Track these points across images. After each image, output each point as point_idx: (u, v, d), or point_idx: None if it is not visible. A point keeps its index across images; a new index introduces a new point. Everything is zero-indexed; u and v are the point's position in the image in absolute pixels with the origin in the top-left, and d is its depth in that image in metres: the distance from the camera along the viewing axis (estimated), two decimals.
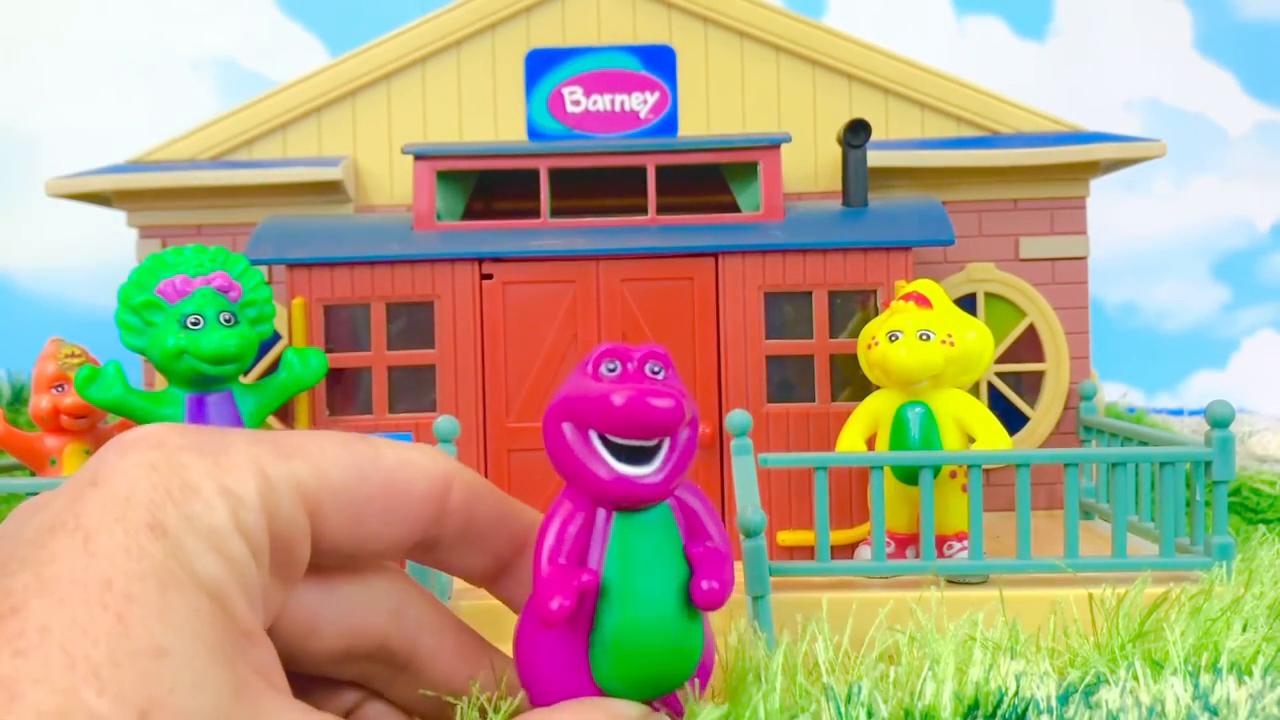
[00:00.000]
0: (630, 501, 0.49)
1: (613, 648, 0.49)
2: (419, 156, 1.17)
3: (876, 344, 0.98)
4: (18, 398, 1.73)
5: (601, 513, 0.50)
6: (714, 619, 0.78)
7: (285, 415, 1.25)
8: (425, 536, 0.50)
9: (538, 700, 0.51)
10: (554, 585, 0.47)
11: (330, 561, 0.48)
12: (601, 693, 0.50)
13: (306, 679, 0.49)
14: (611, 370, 0.49)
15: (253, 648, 0.41)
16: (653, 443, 0.49)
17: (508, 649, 0.54)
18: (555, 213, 1.17)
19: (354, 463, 0.47)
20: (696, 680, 0.52)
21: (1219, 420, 0.92)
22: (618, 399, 0.47)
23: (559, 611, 0.47)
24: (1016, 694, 0.59)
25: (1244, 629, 0.73)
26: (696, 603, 0.50)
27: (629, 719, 0.49)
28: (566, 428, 0.49)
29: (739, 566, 0.86)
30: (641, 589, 0.49)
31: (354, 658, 0.49)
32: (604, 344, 0.51)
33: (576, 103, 1.35)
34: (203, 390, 0.99)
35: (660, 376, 0.50)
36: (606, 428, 0.48)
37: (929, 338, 0.95)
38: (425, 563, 0.52)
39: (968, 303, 1.33)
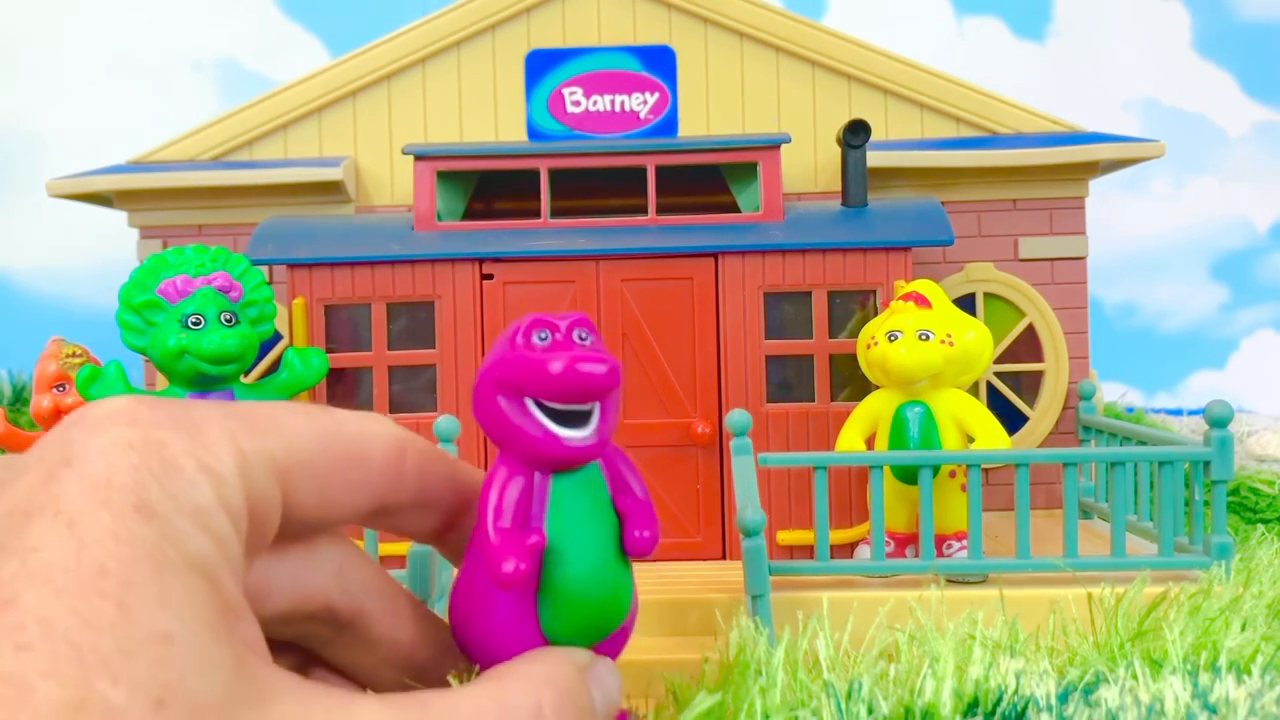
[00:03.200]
0: (568, 463, 0.51)
1: (560, 601, 0.51)
2: (419, 157, 1.18)
3: (876, 344, 0.98)
4: (19, 397, 1.73)
5: (539, 475, 0.52)
6: (714, 618, 0.79)
7: None
8: (382, 503, 0.51)
9: (481, 657, 0.52)
10: (507, 549, 0.49)
11: (293, 531, 0.48)
12: (549, 644, 0.52)
13: None
14: (543, 339, 0.51)
15: (241, 623, 0.41)
16: (587, 407, 0.51)
17: None
18: (555, 213, 1.17)
19: (319, 434, 0.47)
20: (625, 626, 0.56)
21: (1218, 420, 0.92)
22: (556, 366, 0.49)
23: (516, 574, 0.49)
24: (1016, 692, 0.59)
25: (1243, 628, 0.73)
26: (630, 551, 0.53)
27: (582, 664, 0.51)
28: (501, 398, 0.51)
29: (739, 566, 0.87)
30: (583, 544, 0.52)
31: (297, 619, 0.50)
32: (531, 314, 0.52)
33: (576, 103, 1.35)
34: (204, 390, 0.99)
35: (588, 343, 0.52)
36: (545, 394, 0.50)
37: (928, 338, 0.96)
38: (376, 526, 0.53)
39: (967, 303, 1.34)
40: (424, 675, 0.54)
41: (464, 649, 0.53)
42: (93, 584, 0.36)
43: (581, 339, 0.51)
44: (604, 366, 0.50)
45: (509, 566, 0.49)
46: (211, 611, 0.39)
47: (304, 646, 0.52)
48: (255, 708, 0.39)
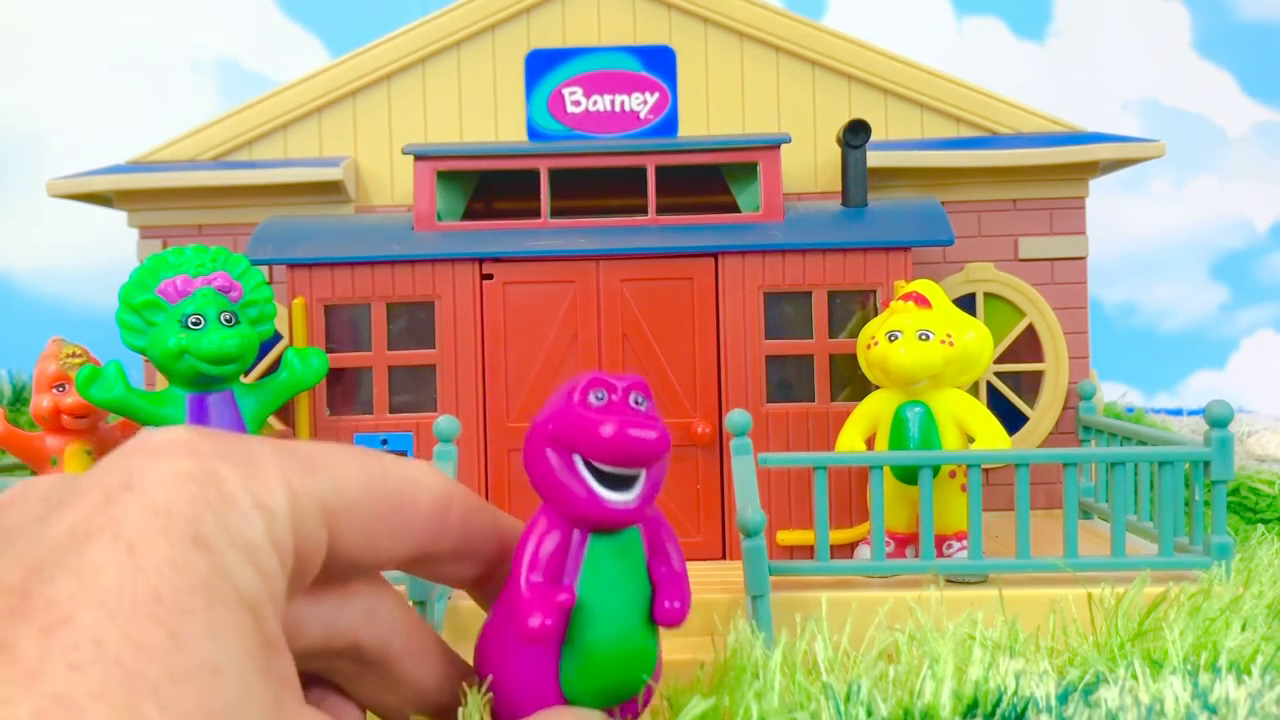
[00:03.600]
0: (609, 525, 0.52)
1: (584, 661, 0.51)
2: (419, 157, 1.18)
3: (876, 344, 0.98)
4: (19, 398, 1.73)
5: (577, 533, 0.52)
6: (713, 618, 0.79)
7: (286, 415, 1.26)
8: (424, 551, 0.51)
9: (500, 702, 0.52)
10: (536, 603, 0.50)
11: (335, 572, 0.48)
12: (567, 701, 0.52)
13: None
14: (599, 399, 0.52)
15: (279, 659, 0.42)
16: (634, 471, 0.51)
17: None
18: (555, 213, 1.17)
19: (368, 479, 0.48)
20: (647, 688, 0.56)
21: (1218, 420, 0.92)
22: (608, 430, 0.50)
23: (542, 629, 0.49)
24: (1016, 693, 0.59)
25: (1243, 628, 0.73)
26: (659, 620, 0.53)
27: None
28: (551, 452, 0.51)
29: (739, 566, 0.87)
30: (613, 607, 0.52)
31: (326, 654, 0.50)
32: (592, 372, 0.53)
33: (576, 103, 1.35)
34: (203, 390, 0.99)
35: (643, 408, 0.52)
36: (595, 456, 0.50)
37: (928, 338, 0.96)
38: (415, 572, 0.54)
39: (967, 303, 1.34)
40: (446, 716, 0.55)
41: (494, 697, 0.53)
42: (147, 609, 0.36)
43: (637, 403, 0.52)
44: (654, 434, 0.50)
45: (535, 621, 0.49)
46: (256, 646, 0.39)
47: (330, 681, 0.52)
48: None
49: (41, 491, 0.43)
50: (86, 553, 0.37)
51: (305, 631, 0.48)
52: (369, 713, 0.54)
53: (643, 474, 0.52)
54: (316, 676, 0.52)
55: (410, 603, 0.94)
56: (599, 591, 0.51)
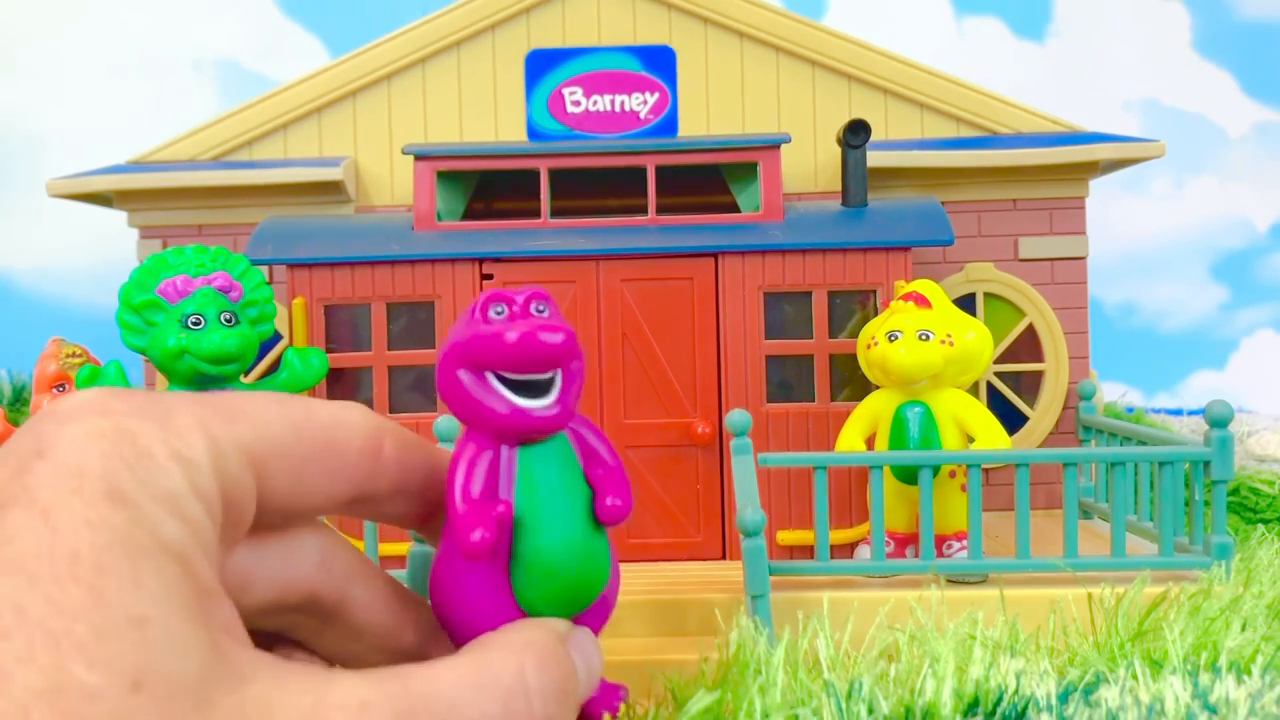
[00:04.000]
0: (531, 433, 0.52)
1: (532, 572, 0.52)
2: (419, 157, 1.18)
3: (876, 344, 0.98)
4: (19, 397, 1.73)
5: (505, 448, 0.52)
6: (714, 618, 0.79)
7: None
8: (360, 492, 0.51)
9: (461, 634, 0.52)
10: (472, 519, 0.50)
11: (269, 520, 0.48)
12: (526, 616, 0.52)
13: None
14: (499, 313, 0.52)
15: (216, 607, 0.41)
16: (547, 376, 0.51)
17: None
18: (555, 213, 1.17)
19: (293, 422, 0.47)
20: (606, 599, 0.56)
21: (1218, 420, 0.92)
22: (511, 335, 0.50)
23: (481, 543, 0.49)
24: (1016, 692, 0.59)
25: (1243, 628, 0.73)
26: (602, 519, 0.54)
27: (560, 632, 0.51)
28: (463, 373, 0.51)
29: (739, 566, 0.87)
30: (552, 514, 0.52)
31: (282, 609, 0.50)
32: (488, 291, 0.53)
33: (576, 103, 1.35)
34: (203, 390, 0.99)
35: (545, 315, 0.52)
36: (503, 365, 0.50)
37: (928, 338, 0.96)
38: (355, 514, 0.53)
39: (967, 303, 1.34)
40: (412, 659, 0.54)
41: (446, 629, 0.54)
42: (66, 570, 0.36)
43: (539, 311, 0.52)
44: (560, 335, 0.50)
45: (475, 535, 0.49)
46: (186, 595, 0.39)
47: (292, 639, 0.52)
48: (231, 687, 0.39)
49: None
50: (2, 524, 0.37)
51: (255, 588, 0.48)
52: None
53: (557, 377, 0.52)
54: (279, 635, 0.52)
55: (380, 564, 0.94)
56: (537, 501, 0.52)
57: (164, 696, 0.36)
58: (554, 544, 0.52)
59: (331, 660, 0.53)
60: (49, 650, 0.34)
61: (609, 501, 0.53)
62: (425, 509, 0.55)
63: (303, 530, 0.51)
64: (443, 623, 0.54)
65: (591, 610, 0.55)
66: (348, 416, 0.50)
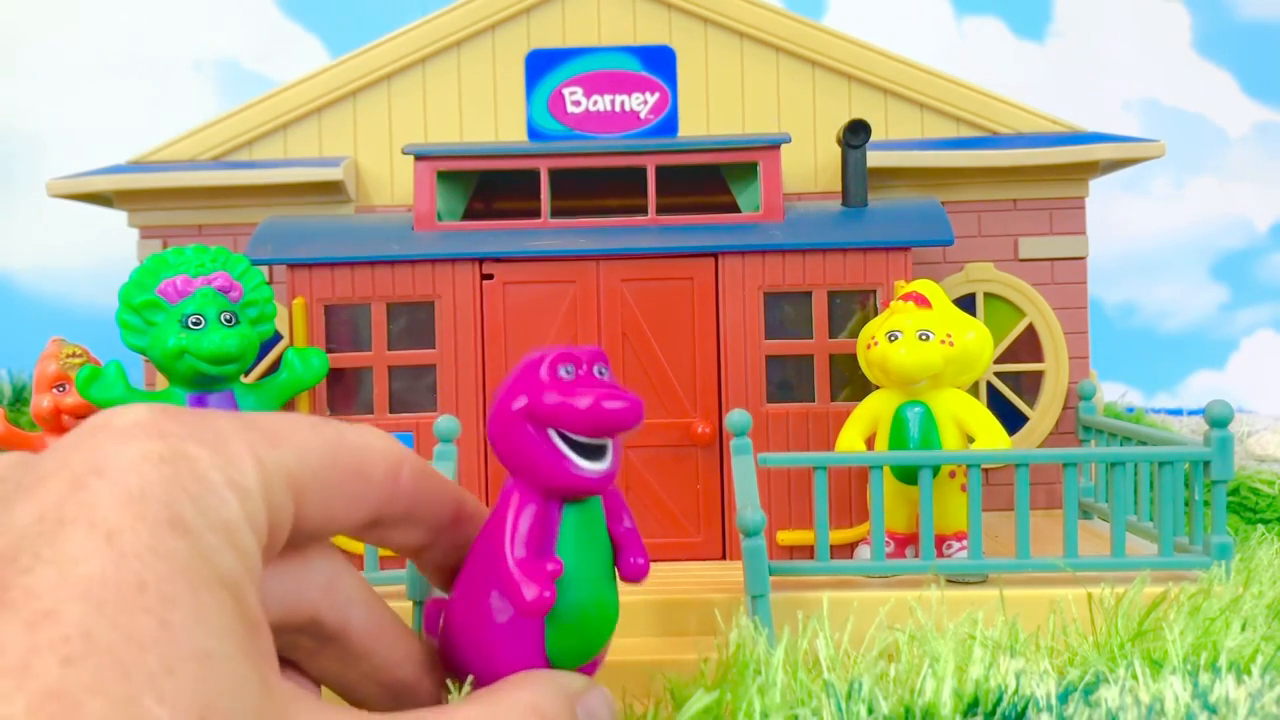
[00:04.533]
0: (584, 493, 0.54)
1: (565, 625, 0.54)
2: (419, 157, 1.18)
3: (876, 344, 0.98)
4: (19, 398, 1.73)
5: (552, 505, 0.54)
6: (714, 618, 0.79)
7: None
8: (376, 516, 0.52)
9: (477, 670, 0.53)
10: (531, 577, 0.51)
11: (295, 542, 0.48)
12: (549, 663, 0.54)
13: None
14: (569, 373, 0.53)
15: (262, 638, 0.41)
16: (606, 440, 0.54)
17: None
18: (555, 213, 1.17)
19: (328, 447, 0.48)
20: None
21: (1218, 420, 0.92)
22: (585, 403, 0.52)
23: (541, 602, 0.51)
24: (1016, 692, 0.59)
25: (1243, 628, 0.73)
26: (628, 577, 0.57)
27: (576, 690, 0.52)
28: (528, 428, 0.53)
29: (739, 566, 0.87)
30: (588, 571, 0.54)
31: (285, 630, 0.50)
32: (554, 348, 0.55)
33: (577, 103, 1.35)
34: (204, 390, 0.99)
35: (605, 377, 0.55)
36: (574, 428, 0.52)
37: (928, 338, 0.96)
38: (365, 539, 0.54)
39: (967, 303, 1.34)
40: (405, 691, 0.55)
41: (456, 662, 0.54)
42: (134, 599, 0.35)
43: (600, 374, 0.54)
44: (627, 403, 0.52)
45: (531, 593, 0.50)
46: (240, 628, 0.39)
47: (287, 658, 0.52)
48: None
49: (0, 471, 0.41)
50: (62, 542, 0.36)
51: (267, 607, 0.48)
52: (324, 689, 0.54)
53: (611, 442, 0.54)
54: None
55: (380, 564, 0.94)
56: (575, 557, 0.54)
57: None
58: (587, 599, 0.54)
59: (321, 684, 0.54)
60: (120, 682, 0.34)
61: (634, 561, 0.57)
62: (429, 537, 0.56)
63: (313, 553, 0.51)
64: (455, 656, 0.55)
65: (596, 658, 0.57)
66: (373, 442, 0.51)
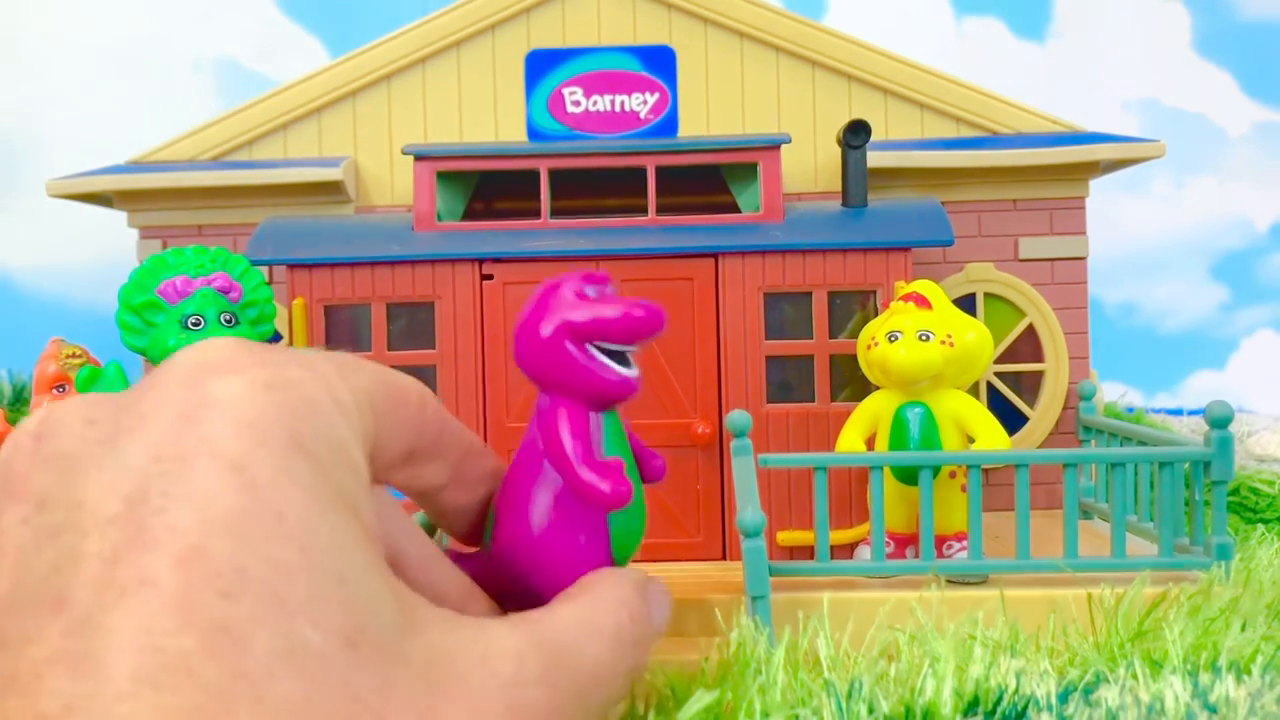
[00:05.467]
0: (624, 398, 0.58)
1: (625, 522, 0.58)
2: (419, 157, 1.18)
3: (876, 344, 0.98)
4: (18, 398, 1.73)
5: (593, 413, 0.58)
6: (714, 618, 0.79)
7: None
8: (411, 446, 0.53)
9: (553, 579, 0.56)
10: (604, 475, 0.55)
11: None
12: (612, 561, 0.58)
13: None
14: (595, 292, 0.57)
15: (380, 553, 0.42)
16: (633, 347, 0.58)
17: None
18: (555, 213, 1.17)
19: (379, 375, 0.49)
20: None
21: (1218, 420, 0.92)
22: (617, 312, 0.56)
23: (623, 494, 0.55)
24: (1016, 692, 0.59)
25: (1243, 628, 0.73)
26: (652, 476, 0.61)
27: (641, 581, 0.55)
28: (570, 345, 0.56)
29: (739, 566, 0.87)
30: (631, 469, 0.59)
31: None
32: (572, 273, 0.58)
33: (577, 103, 1.35)
34: None
35: (617, 292, 0.59)
36: (614, 338, 0.56)
37: (928, 338, 0.96)
38: (395, 478, 0.55)
39: (967, 303, 1.34)
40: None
41: (523, 582, 0.57)
42: (275, 529, 0.36)
43: (614, 292, 0.59)
44: (654, 310, 0.57)
45: (607, 486, 0.54)
46: (367, 545, 0.40)
47: None
48: (417, 636, 0.40)
49: (81, 414, 0.41)
50: (189, 478, 0.37)
51: None
52: None
53: (633, 349, 0.58)
54: None
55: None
56: (623, 458, 0.58)
57: (375, 651, 0.37)
58: (637, 499, 0.58)
59: None
60: (277, 611, 0.35)
61: (655, 462, 0.62)
62: (450, 473, 0.58)
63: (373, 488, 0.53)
64: (520, 573, 0.57)
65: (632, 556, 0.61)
66: (402, 374, 0.53)
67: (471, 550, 0.62)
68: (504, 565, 0.58)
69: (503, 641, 0.44)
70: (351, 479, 0.41)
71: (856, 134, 1.20)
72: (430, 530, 0.71)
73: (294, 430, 0.39)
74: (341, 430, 0.42)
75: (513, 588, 0.57)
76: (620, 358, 0.57)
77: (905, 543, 1.00)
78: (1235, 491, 1.27)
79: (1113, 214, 1.93)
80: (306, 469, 0.38)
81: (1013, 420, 1.34)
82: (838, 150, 1.26)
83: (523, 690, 0.43)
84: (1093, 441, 1.24)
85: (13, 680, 0.33)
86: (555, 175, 1.17)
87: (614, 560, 0.58)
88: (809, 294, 1.14)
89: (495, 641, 0.44)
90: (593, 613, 0.51)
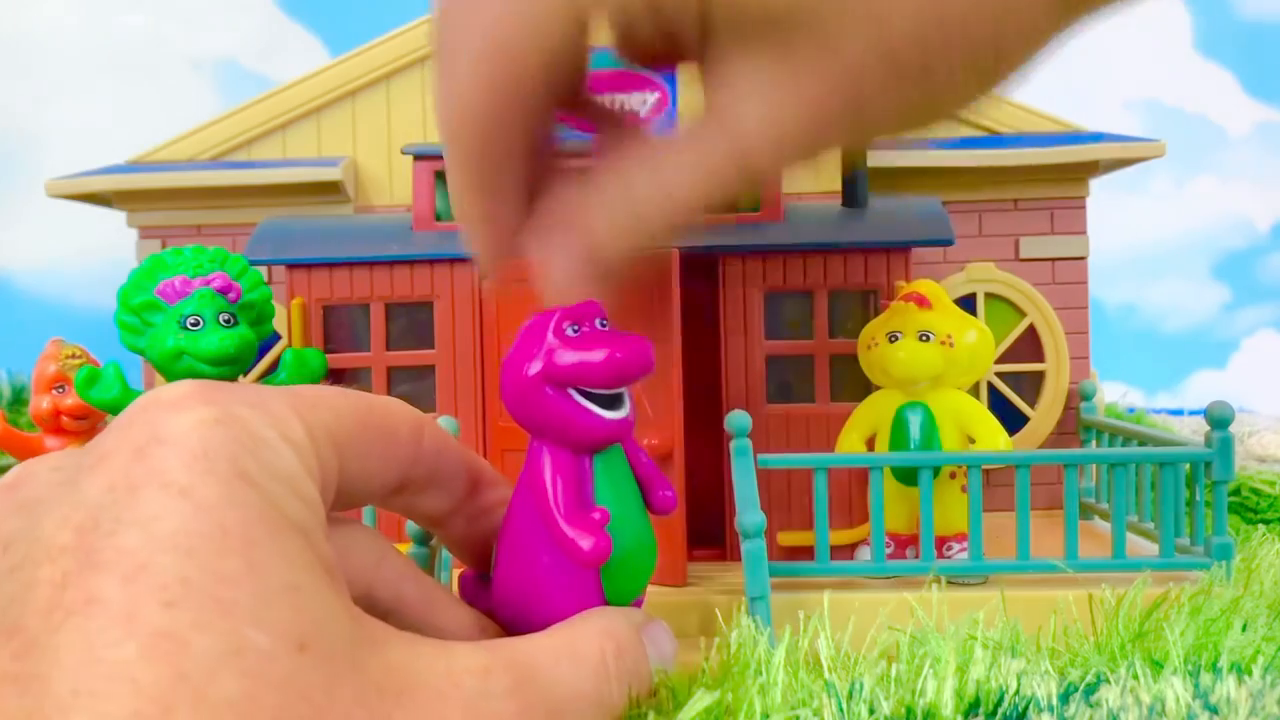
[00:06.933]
0: (611, 441, 0.56)
1: (617, 567, 0.55)
2: (418, 157, 1.17)
3: (876, 344, 0.98)
4: (18, 398, 1.73)
5: (584, 458, 0.56)
6: (714, 618, 0.79)
7: None
8: (404, 478, 0.53)
9: (543, 622, 0.55)
10: (585, 530, 0.53)
11: (340, 503, 0.50)
12: (605, 603, 0.57)
13: None
14: (575, 331, 0.55)
15: (339, 581, 0.43)
16: (622, 389, 0.55)
17: None
18: None
19: (355, 409, 0.50)
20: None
21: (1219, 420, 0.92)
22: (598, 357, 0.53)
23: (598, 550, 0.53)
24: (1017, 692, 0.59)
25: (1244, 629, 0.73)
26: (659, 510, 0.59)
27: (636, 623, 0.55)
28: (549, 390, 0.54)
29: (739, 566, 0.87)
30: (629, 513, 0.56)
31: None
32: (554, 309, 0.56)
33: None
34: None
35: (606, 329, 0.56)
36: (594, 383, 0.54)
37: (929, 338, 0.95)
38: (392, 505, 0.56)
39: (968, 303, 1.33)
40: None
41: (518, 624, 0.56)
42: (219, 544, 0.38)
43: (602, 325, 0.56)
44: (639, 350, 0.54)
45: (587, 544, 0.52)
46: (319, 567, 0.41)
47: None
48: (373, 650, 0.41)
49: (49, 464, 0.43)
50: (138, 504, 0.38)
51: None
52: None
53: (626, 389, 0.56)
54: None
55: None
56: (614, 503, 0.56)
57: (326, 656, 0.38)
58: (630, 540, 0.56)
59: None
60: (221, 617, 0.36)
61: (663, 494, 0.59)
62: (451, 503, 0.58)
63: (359, 532, 0.53)
64: (514, 616, 0.56)
65: (638, 600, 0.59)
66: (395, 406, 0.53)
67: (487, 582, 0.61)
68: (502, 602, 0.57)
69: (468, 659, 0.44)
70: (302, 508, 0.42)
71: None
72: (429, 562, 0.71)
73: (239, 462, 0.40)
74: (288, 463, 0.43)
75: (513, 625, 0.56)
76: (609, 400, 0.55)
77: (905, 543, 1.00)
78: (1236, 492, 1.27)
79: (1113, 214, 1.93)
80: (250, 495, 0.40)
81: (1013, 420, 1.33)
82: (838, 150, 1.25)
83: (488, 702, 0.43)
84: (1093, 442, 1.24)
85: None
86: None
87: (613, 599, 0.56)
88: (809, 294, 1.14)
89: (459, 659, 0.44)
90: (573, 641, 0.51)
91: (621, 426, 0.55)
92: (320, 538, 0.43)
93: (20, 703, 0.33)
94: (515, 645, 0.48)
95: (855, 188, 1.20)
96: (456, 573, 0.64)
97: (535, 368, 0.54)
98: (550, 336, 0.55)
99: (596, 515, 0.54)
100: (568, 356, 0.53)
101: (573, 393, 0.54)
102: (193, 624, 0.35)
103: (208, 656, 0.35)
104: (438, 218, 1.17)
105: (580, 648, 0.50)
